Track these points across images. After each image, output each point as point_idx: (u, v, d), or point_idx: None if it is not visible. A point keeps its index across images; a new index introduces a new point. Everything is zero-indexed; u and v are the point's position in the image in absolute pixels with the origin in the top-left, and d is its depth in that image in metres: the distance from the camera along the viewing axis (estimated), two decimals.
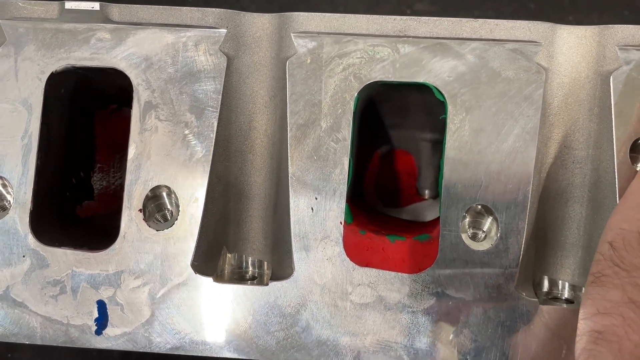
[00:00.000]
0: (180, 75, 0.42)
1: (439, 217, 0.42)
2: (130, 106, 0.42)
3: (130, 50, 0.43)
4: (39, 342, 0.42)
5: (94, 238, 0.46)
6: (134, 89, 0.42)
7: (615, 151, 0.40)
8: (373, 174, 0.62)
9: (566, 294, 0.43)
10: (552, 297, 0.43)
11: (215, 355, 0.42)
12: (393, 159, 0.60)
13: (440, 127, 0.46)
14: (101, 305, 0.42)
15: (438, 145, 0.56)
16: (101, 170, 0.53)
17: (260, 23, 0.43)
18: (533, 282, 0.43)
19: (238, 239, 0.44)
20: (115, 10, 0.43)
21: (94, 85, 0.48)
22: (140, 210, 0.42)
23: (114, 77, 0.44)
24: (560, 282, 0.43)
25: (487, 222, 0.41)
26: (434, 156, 0.58)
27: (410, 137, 0.59)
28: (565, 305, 0.41)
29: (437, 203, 0.59)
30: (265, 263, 0.44)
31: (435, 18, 0.42)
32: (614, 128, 0.40)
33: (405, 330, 0.41)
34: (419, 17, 0.42)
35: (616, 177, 0.40)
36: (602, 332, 0.33)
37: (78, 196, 0.50)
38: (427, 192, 0.59)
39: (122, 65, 0.43)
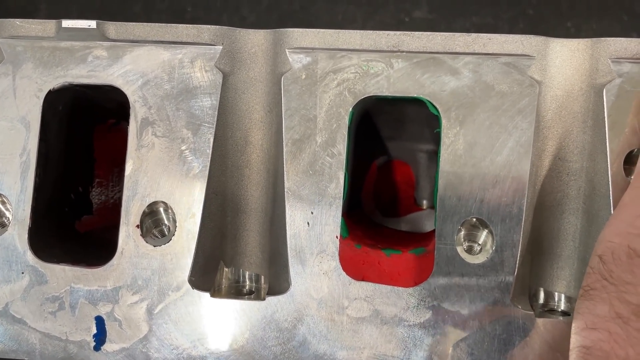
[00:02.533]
0: (176, 92, 0.43)
1: (434, 230, 0.43)
2: (128, 121, 0.43)
3: (127, 67, 0.43)
4: (38, 359, 0.42)
5: (94, 253, 0.46)
6: (130, 105, 0.43)
7: (609, 163, 0.40)
8: (371, 185, 0.62)
9: (562, 306, 0.43)
10: (548, 309, 0.43)
11: None
12: (391, 169, 0.61)
13: (436, 138, 0.46)
14: (99, 321, 0.42)
15: (435, 155, 0.57)
16: (100, 184, 0.53)
17: (255, 39, 0.44)
18: (529, 294, 0.44)
19: (235, 253, 0.45)
20: (112, 28, 0.43)
21: (92, 101, 0.48)
22: (137, 226, 0.42)
23: (111, 93, 0.44)
24: (556, 294, 0.43)
25: (483, 235, 0.41)
26: (431, 166, 0.58)
27: (408, 147, 0.59)
28: (561, 318, 0.41)
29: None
30: (262, 277, 0.45)
31: (428, 33, 0.42)
32: (607, 140, 0.40)
33: (401, 344, 0.41)
34: (412, 32, 0.42)
35: (610, 188, 0.40)
36: (589, 347, 0.34)
37: (77, 211, 0.51)
38: (425, 202, 0.60)
39: (118, 83, 0.43)
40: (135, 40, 0.43)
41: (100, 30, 0.43)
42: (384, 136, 0.57)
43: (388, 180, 0.61)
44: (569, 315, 0.42)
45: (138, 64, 0.43)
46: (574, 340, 0.35)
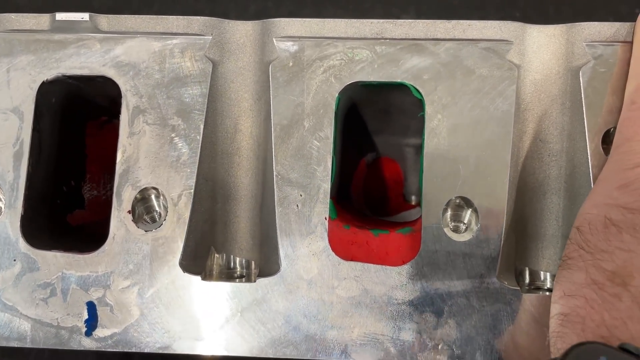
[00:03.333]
0: (167, 81, 0.44)
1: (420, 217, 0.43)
2: (120, 117, 0.44)
3: (119, 58, 0.44)
4: (29, 345, 0.42)
5: (84, 245, 0.47)
6: (122, 95, 0.44)
7: (587, 142, 0.42)
8: (360, 183, 0.63)
9: (548, 284, 0.44)
10: (534, 287, 0.44)
11: (204, 354, 0.42)
12: (379, 166, 0.62)
13: (421, 125, 0.47)
14: (91, 307, 0.42)
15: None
16: (92, 180, 0.54)
17: (243, 30, 0.45)
18: (515, 274, 0.44)
19: (226, 239, 0.45)
20: (104, 21, 0.45)
21: (84, 95, 0.50)
22: (129, 211, 0.43)
23: (104, 87, 0.45)
24: (541, 273, 0.44)
25: (467, 214, 0.42)
26: (418, 161, 0.59)
27: (395, 143, 0.60)
28: (547, 293, 0.42)
29: None
30: (253, 262, 0.45)
31: (410, 20, 0.44)
32: (585, 120, 0.42)
33: (391, 322, 0.41)
34: (395, 20, 0.44)
35: (590, 167, 0.42)
36: (567, 314, 0.34)
37: (69, 204, 0.51)
38: (413, 197, 0.60)
39: (111, 73, 0.44)
40: (127, 32, 0.45)
41: (93, 23, 0.45)
42: (371, 130, 0.58)
43: (377, 178, 0.62)
44: None
45: (130, 54, 0.44)
46: (553, 308, 0.36)
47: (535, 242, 0.44)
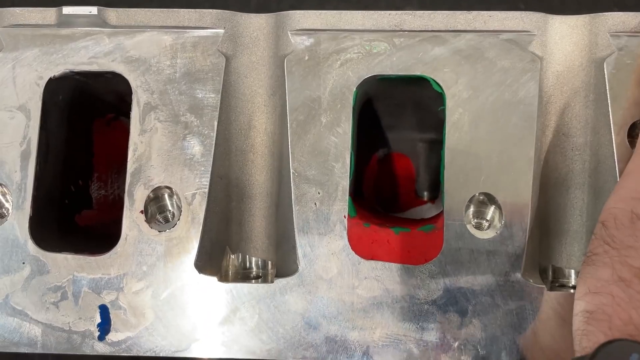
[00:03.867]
0: (179, 76, 0.42)
1: (442, 210, 0.42)
2: (128, 115, 0.42)
3: (129, 53, 0.43)
4: (40, 351, 0.41)
5: (93, 246, 0.46)
6: (133, 91, 0.42)
7: (613, 135, 0.41)
8: (372, 178, 0.62)
9: (572, 281, 0.43)
10: (559, 285, 0.43)
11: (222, 357, 0.41)
12: (391, 162, 0.61)
13: (436, 127, 0.46)
14: (103, 310, 0.41)
15: (435, 146, 0.57)
16: (99, 179, 0.52)
17: (257, 23, 0.44)
18: (539, 271, 0.43)
19: (241, 239, 0.44)
20: (113, 15, 0.43)
21: (92, 92, 0.48)
22: (141, 211, 0.41)
23: (112, 83, 0.44)
24: (566, 270, 0.43)
25: (491, 211, 0.41)
26: (431, 157, 0.58)
27: (407, 139, 0.59)
28: (572, 291, 0.41)
29: (437, 206, 0.59)
30: (269, 262, 0.44)
31: (429, 12, 0.43)
32: (610, 113, 0.41)
33: (414, 322, 0.40)
34: (414, 12, 0.43)
35: (615, 161, 0.41)
36: (592, 311, 0.33)
37: (77, 204, 0.50)
38: (425, 194, 0.59)
39: (120, 69, 0.43)
40: (137, 26, 0.43)
41: (101, 17, 0.43)
42: (384, 125, 0.57)
43: (389, 174, 0.61)
44: None
45: (140, 49, 0.43)
46: (578, 305, 0.35)
47: (559, 238, 0.43)
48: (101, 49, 0.43)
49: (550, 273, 0.43)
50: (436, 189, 0.59)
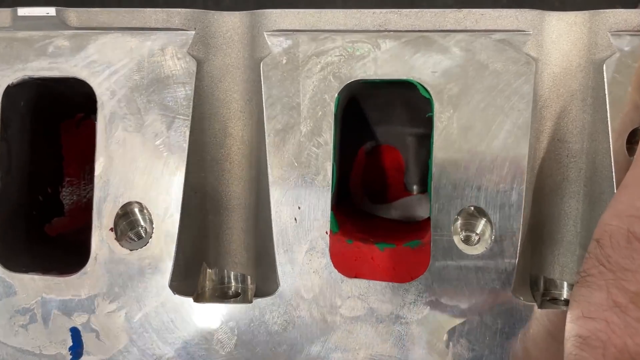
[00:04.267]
0: (147, 83, 0.39)
1: (429, 220, 0.40)
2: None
3: (92, 57, 0.40)
4: None
5: (66, 257, 0.43)
6: (97, 99, 0.39)
7: (611, 142, 0.38)
8: (359, 171, 0.59)
9: (565, 294, 0.41)
10: (550, 298, 0.41)
11: None
12: (379, 154, 0.58)
13: (426, 122, 0.44)
14: (75, 333, 0.39)
15: (425, 139, 0.54)
16: (71, 183, 0.50)
17: (230, 22, 0.40)
18: (530, 282, 0.41)
19: (218, 253, 0.42)
20: (73, 15, 0.40)
21: (56, 94, 0.45)
22: (111, 229, 0.39)
23: (77, 85, 0.41)
24: (557, 281, 0.41)
25: (481, 224, 0.39)
26: (421, 150, 0.56)
27: (396, 132, 0.57)
28: (564, 308, 0.39)
29: (426, 198, 0.57)
30: (249, 277, 0.42)
31: (417, 10, 0.39)
32: (609, 118, 0.38)
33: (399, 342, 0.39)
34: (400, 10, 0.39)
35: (613, 169, 0.38)
36: (586, 337, 0.32)
37: (46, 214, 0.47)
38: (415, 187, 0.57)
39: (83, 74, 0.40)
40: (99, 28, 0.40)
41: (60, 18, 0.40)
42: (371, 120, 0.54)
43: (376, 166, 0.59)
44: None
45: (104, 53, 0.40)
46: (570, 328, 0.33)
47: (551, 248, 0.41)
48: (62, 52, 0.40)
49: (542, 285, 0.42)
50: (425, 182, 0.57)
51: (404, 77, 0.39)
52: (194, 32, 0.40)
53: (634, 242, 0.33)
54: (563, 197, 0.41)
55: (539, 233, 0.41)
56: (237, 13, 0.40)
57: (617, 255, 0.33)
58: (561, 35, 0.40)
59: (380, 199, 0.59)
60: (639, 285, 0.32)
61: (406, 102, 0.49)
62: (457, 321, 0.38)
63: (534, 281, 0.42)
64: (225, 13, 0.40)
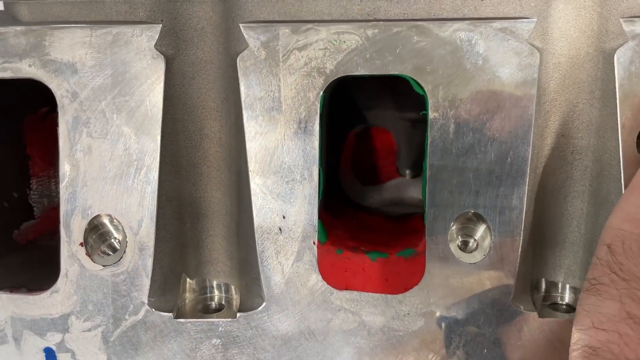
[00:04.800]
0: (111, 83, 0.36)
1: (421, 219, 0.38)
2: None
3: (48, 55, 0.36)
4: None
5: (38, 267, 0.41)
6: (57, 102, 0.36)
7: (620, 139, 0.35)
8: (349, 154, 0.57)
9: (567, 298, 0.39)
10: (551, 303, 0.39)
11: None
12: (370, 136, 0.55)
13: (420, 105, 0.40)
14: (49, 354, 0.37)
15: (418, 123, 0.51)
16: (40, 184, 0.46)
17: (202, 12, 0.36)
18: (530, 286, 0.39)
19: (199, 262, 0.39)
20: (25, 9, 0.35)
21: (15, 90, 0.41)
22: (81, 244, 0.36)
23: (36, 81, 0.37)
24: (559, 284, 0.39)
25: (480, 231, 0.36)
26: (414, 134, 0.52)
27: (388, 115, 0.53)
28: (567, 316, 0.37)
29: (418, 181, 0.55)
30: (233, 287, 0.39)
31: None
32: (618, 113, 0.35)
33: (392, 356, 0.37)
34: None
35: (622, 168, 0.35)
36: (597, 348, 0.30)
37: (14, 220, 0.44)
38: (408, 172, 0.55)
39: (40, 75, 0.36)
40: (55, 22, 0.36)
41: (10, 12, 0.35)
42: (362, 104, 0.51)
43: (367, 148, 0.56)
44: (574, 309, 0.38)
45: (61, 50, 0.35)
46: (578, 338, 0.31)
47: (553, 250, 0.39)
48: (14, 51, 0.36)
49: (543, 288, 0.39)
50: (418, 167, 0.54)
51: (395, 72, 0.35)
52: (160, 25, 0.35)
53: None
54: (567, 197, 0.38)
55: (540, 234, 0.39)
56: (208, 2, 0.36)
57: (631, 262, 0.31)
58: (568, 22, 0.36)
59: (372, 181, 0.57)
60: None
61: (398, 88, 0.46)
62: (454, 332, 0.36)
63: (535, 284, 0.39)
64: (195, 2, 0.36)
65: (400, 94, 0.50)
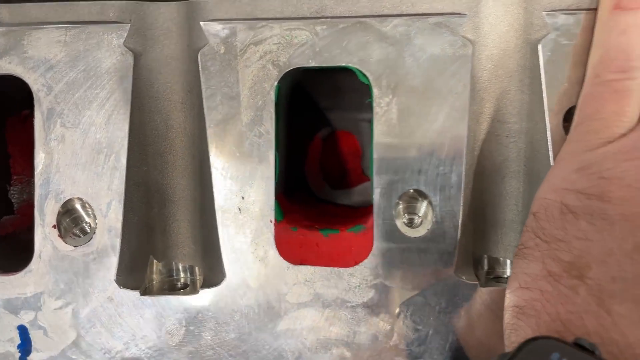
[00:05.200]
0: (83, 77, 0.39)
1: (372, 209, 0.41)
2: None
3: (26, 54, 0.39)
4: None
5: (16, 255, 0.43)
6: (34, 95, 0.39)
7: (547, 122, 0.39)
8: (316, 158, 0.60)
9: (508, 272, 0.42)
10: (494, 277, 0.42)
11: None
12: (336, 140, 0.58)
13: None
14: (22, 330, 0.39)
15: None
16: (20, 181, 0.49)
17: (167, 13, 0.40)
18: (473, 262, 0.42)
19: (166, 246, 0.42)
20: (5, 11, 0.39)
21: None
22: (54, 226, 0.39)
23: (18, 82, 0.40)
24: (501, 259, 0.42)
25: (423, 207, 0.39)
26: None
27: (350, 117, 0.57)
28: (506, 285, 0.40)
29: None
30: (197, 268, 0.42)
31: None
32: (545, 98, 0.39)
33: (345, 326, 0.39)
34: None
35: (550, 148, 0.39)
36: (522, 306, 0.33)
37: None
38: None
39: (18, 71, 0.39)
40: (33, 23, 0.39)
41: None
42: (323, 107, 0.55)
43: (334, 152, 0.59)
44: None
45: (38, 49, 0.39)
46: (508, 299, 0.34)
47: (495, 228, 0.42)
48: None
49: (486, 264, 0.42)
50: None
51: (342, 63, 0.39)
52: (129, 24, 0.39)
53: (567, 214, 0.33)
54: (504, 177, 0.41)
55: (482, 213, 0.42)
56: (173, 4, 0.40)
57: (552, 226, 0.34)
58: (498, 17, 0.40)
59: (340, 185, 0.60)
60: (572, 255, 0.33)
61: (354, 87, 0.49)
62: (402, 302, 0.39)
63: (478, 260, 0.42)
64: (161, 4, 0.40)
65: (357, 96, 0.54)
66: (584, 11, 0.38)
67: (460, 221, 0.39)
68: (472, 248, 0.41)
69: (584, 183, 0.34)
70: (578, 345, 0.28)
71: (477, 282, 0.39)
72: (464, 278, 0.39)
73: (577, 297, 0.32)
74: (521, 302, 0.33)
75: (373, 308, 0.39)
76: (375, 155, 0.39)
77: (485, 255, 0.42)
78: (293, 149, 0.53)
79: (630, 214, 0.32)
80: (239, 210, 0.39)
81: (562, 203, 0.34)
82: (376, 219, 0.39)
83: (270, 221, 0.39)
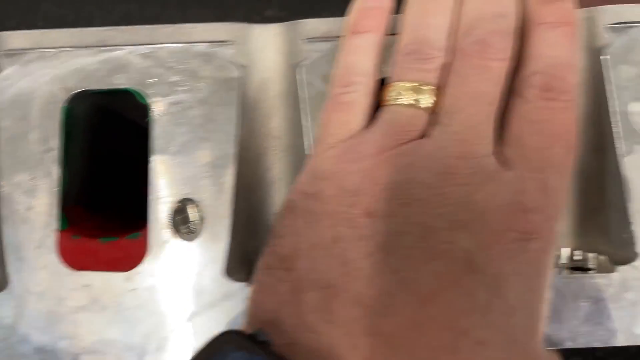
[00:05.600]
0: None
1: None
2: None
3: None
4: None
5: None
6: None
7: (303, 137, 0.43)
8: None
9: None
10: None
11: None
12: None
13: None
14: None
15: None
16: None
17: None
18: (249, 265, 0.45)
19: None
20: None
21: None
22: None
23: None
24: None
25: (192, 214, 0.43)
26: None
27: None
28: None
29: None
30: None
31: (132, 27, 0.44)
32: (301, 118, 0.43)
33: (123, 326, 0.42)
34: (118, 27, 0.44)
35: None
36: (250, 298, 0.37)
37: None
38: None
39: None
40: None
41: None
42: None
43: None
44: None
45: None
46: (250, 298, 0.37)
47: (262, 235, 0.45)
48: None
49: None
50: None
51: (124, 87, 0.43)
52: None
53: (291, 213, 0.37)
54: (281, 189, 0.45)
55: (258, 220, 0.46)
56: None
57: (278, 225, 0.37)
58: (266, 45, 0.45)
59: None
60: (286, 249, 0.36)
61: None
62: (177, 304, 0.42)
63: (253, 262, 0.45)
64: None
65: None
66: (337, 39, 0.43)
67: (230, 226, 0.42)
68: (246, 254, 0.45)
69: (306, 184, 0.38)
70: (252, 337, 0.31)
71: (245, 283, 0.42)
72: (234, 279, 0.42)
73: (282, 287, 0.35)
74: (250, 294, 0.37)
75: (148, 309, 0.42)
76: (150, 169, 0.43)
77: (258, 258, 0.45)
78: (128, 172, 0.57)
79: (333, 211, 0.36)
80: (25, 220, 0.42)
81: (290, 201, 0.38)
82: (149, 227, 0.42)
83: (54, 230, 0.42)
